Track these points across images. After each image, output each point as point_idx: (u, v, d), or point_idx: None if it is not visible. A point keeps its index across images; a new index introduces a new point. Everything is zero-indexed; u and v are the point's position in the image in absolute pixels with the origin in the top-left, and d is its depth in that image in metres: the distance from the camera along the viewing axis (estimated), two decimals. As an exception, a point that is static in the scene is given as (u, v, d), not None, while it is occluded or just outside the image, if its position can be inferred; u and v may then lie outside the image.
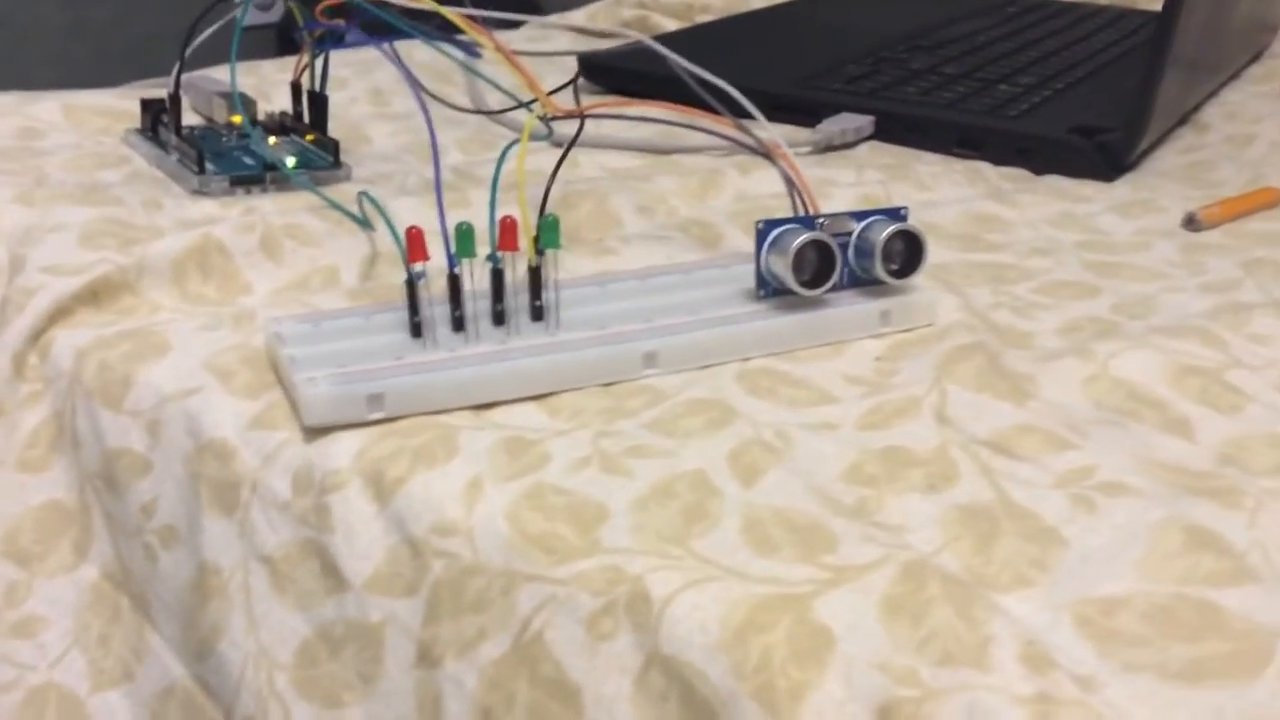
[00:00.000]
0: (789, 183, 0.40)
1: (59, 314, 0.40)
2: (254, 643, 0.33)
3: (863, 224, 0.39)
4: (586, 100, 0.51)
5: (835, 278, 0.38)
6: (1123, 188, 0.56)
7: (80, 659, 0.37)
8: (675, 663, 0.27)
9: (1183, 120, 0.67)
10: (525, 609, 0.30)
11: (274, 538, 0.34)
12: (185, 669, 0.36)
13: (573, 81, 0.46)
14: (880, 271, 0.39)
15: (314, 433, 0.34)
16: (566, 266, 0.44)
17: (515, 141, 0.42)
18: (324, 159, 0.54)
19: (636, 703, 0.28)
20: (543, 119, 0.41)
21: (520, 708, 0.29)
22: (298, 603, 0.33)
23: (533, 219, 0.37)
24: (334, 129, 0.56)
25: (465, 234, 0.36)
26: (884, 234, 0.38)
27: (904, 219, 0.39)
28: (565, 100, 0.62)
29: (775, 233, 0.38)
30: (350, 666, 0.32)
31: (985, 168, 0.58)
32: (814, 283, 0.38)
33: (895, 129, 0.63)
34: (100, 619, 0.38)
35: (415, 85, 0.40)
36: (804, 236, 0.38)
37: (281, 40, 2.03)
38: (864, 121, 0.62)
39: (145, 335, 0.39)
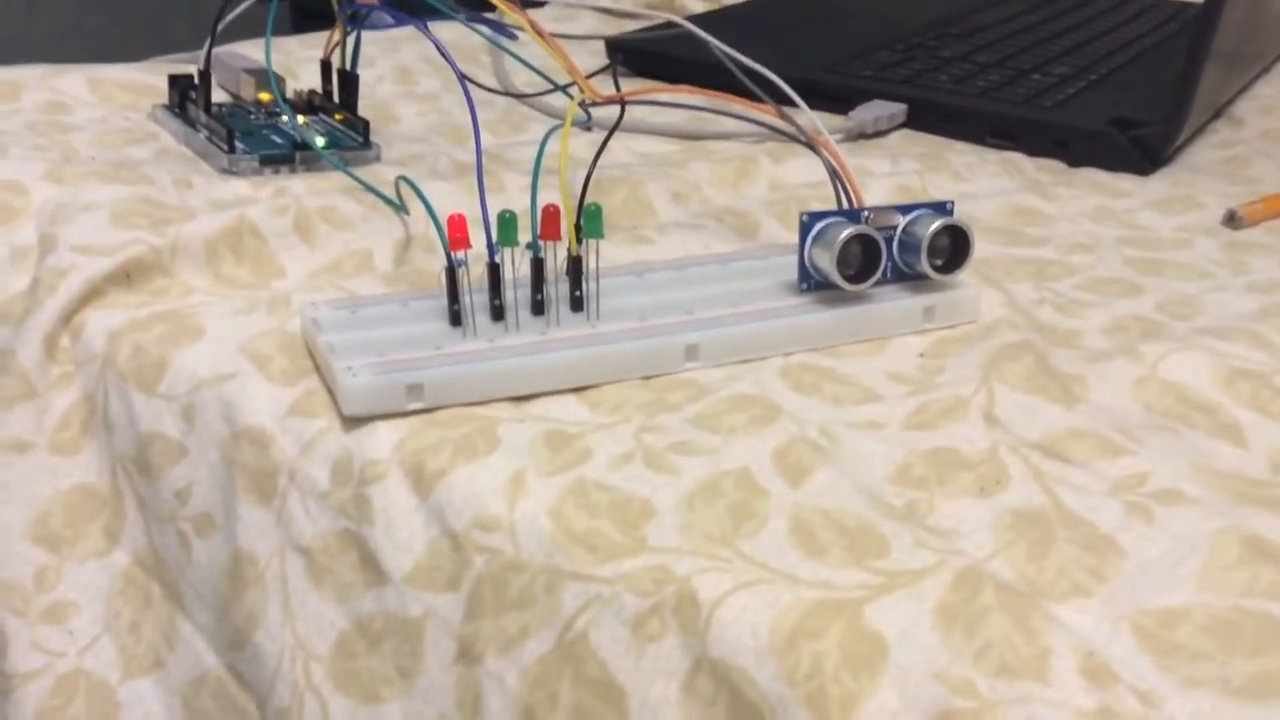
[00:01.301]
0: (832, 173, 0.39)
1: (91, 295, 0.40)
2: (290, 634, 0.33)
3: (908, 218, 0.38)
4: (621, 84, 0.50)
5: (880, 273, 0.38)
6: (1160, 182, 0.55)
7: (111, 646, 0.37)
8: (724, 667, 0.27)
9: (1216, 114, 0.67)
10: (569, 608, 0.29)
11: (312, 528, 0.33)
12: (218, 658, 0.35)
13: (610, 66, 0.46)
14: (926, 267, 0.38)
15: (353, 422, 0.34)
16: (602, 255, 0.43)
17: (556, 127, 0.41)
18: (354, 139, 0.53)
19: (683, 707, 0.27)
20: (582, 104, 0.41)
21: (563, 708, 0.29)
22: (336, 594, 0.33)
23: (572, 207, 0.37)
24: (362, 108, 0.55)
25: (508, 222, 0.36)
26: (931, 228, 0.38)
27: (950, 213, 0.39)
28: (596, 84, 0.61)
29: (819, 225, 0.38)
30: (389, 661, 0.32)
31: (1020, 159, 0.58)
32: (858, 277, 0.38)
33: (928, 117, 0.62)
34: (131, 606, 0.37)
35: (457, 68, 0.40)
36: (850, 230, 0.37)
37: (296, 15, 2.01)
38: (897, 109, 0.61)
39: (179, 318, 0.39)
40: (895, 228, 0.38)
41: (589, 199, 0.37)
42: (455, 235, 0.36)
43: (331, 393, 0.35)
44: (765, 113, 0.40)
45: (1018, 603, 0.26)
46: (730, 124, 0.60)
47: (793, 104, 0.43)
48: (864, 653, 0.26)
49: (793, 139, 0.40)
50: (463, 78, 0.40)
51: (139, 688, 0.37)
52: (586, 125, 0.47)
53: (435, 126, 0.60)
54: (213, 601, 0.35)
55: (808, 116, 0.43)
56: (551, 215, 0.36)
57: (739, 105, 0.42)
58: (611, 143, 0.45)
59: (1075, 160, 0.58)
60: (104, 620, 0.37)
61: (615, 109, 0.41)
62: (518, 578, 0.30)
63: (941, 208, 0.39)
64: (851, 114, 0.59)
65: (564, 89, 0.46)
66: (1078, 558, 0.28)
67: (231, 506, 0.35)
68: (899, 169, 0.54)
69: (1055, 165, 0.58)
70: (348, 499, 0.33)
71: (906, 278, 0.39)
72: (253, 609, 0.34)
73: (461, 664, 0.30)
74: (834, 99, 0.61)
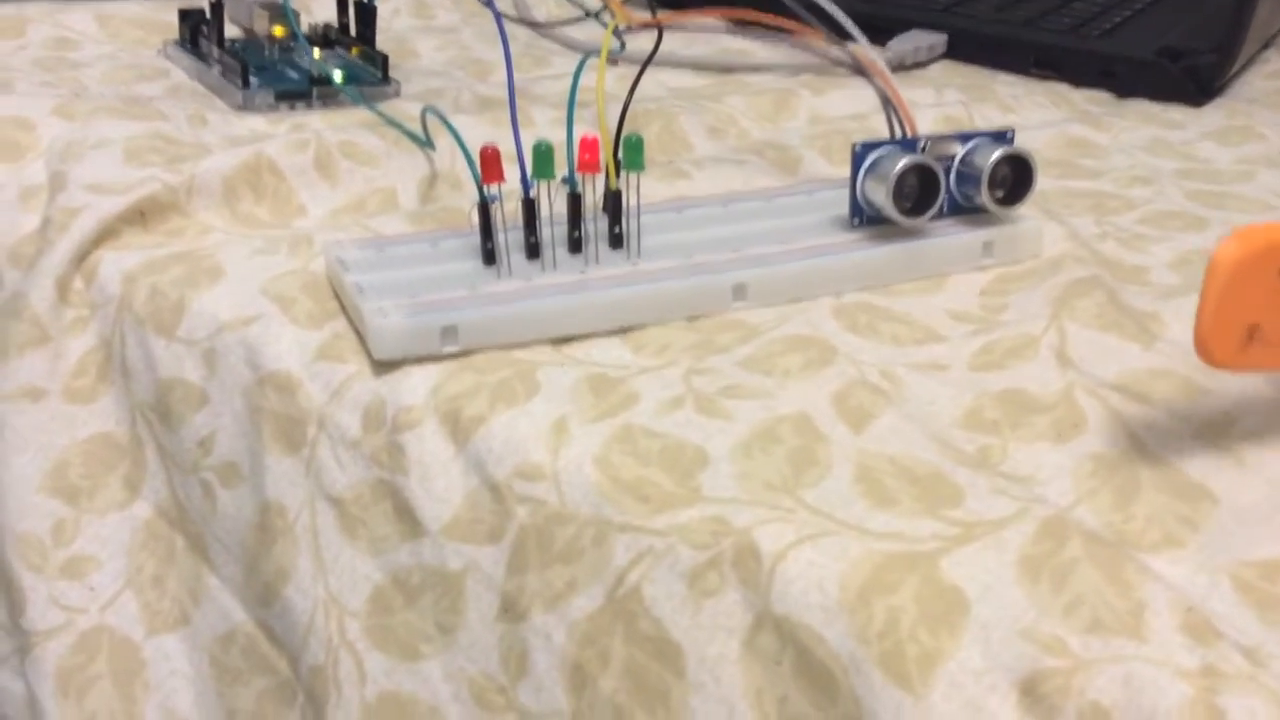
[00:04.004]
0: (885, 101, 0.37)
1: (104, 235, 0.38)
2: (323, 588, 0.31)
3: (967, 147, 0.36)
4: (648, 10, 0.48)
5: (937, 206, 0.36)
6: (1214, 113, 0.53)
7: (133, 601, 0.35)
8: (789, 624, 0.25)
9: (1266, 44, 0.64)
10: (620, 561, 0.27)
11: (343, 477, 0.32)
12: (247, 614, 0.34)
13: (644, -9, 0.43)
14: (986, 199, 0.36)
15: (384, 366, 0.32)
16: (640, 191, 0.41)
17: (590, 54, 0.39)
18: (372, 74, 0.51)
19: (745, 665, 0.26)
20: (616, 31, 0.38)
21: (615, 666, 0.27)
22: (370, 547, 0.31)
23: (609, 139, 0.35)
24: (379, 43, 0.53)
25: (544, 154, 0.34)
26: (991, 158, 0.35)
27: (1010, 142, 0.36)
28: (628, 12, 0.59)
29: (873, 156, 0.36)
30: (428, 616, 0.30)
31: (1067, 89, 0.55)
32: (914, 211, 0.36)
33: (969, 47, 0.60)
34: (154, 559, 0.36)
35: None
36: (906, 160, 0.35)
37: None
38: (937, 39, 0.59)
39: (197, 258, 0.37)
40: (953, 158, 0.36)
41: (624, 130, 0.35)
42: (489, 169, 0.33)
43: (360, 336, 0.33)
44: (817, 40, 0.38)
45: (1108, 554, 0.25)
46: (764, 55, 0.57)
47: (842, 33, 0.40)
48: (942, 609, 0.24)
49: (841, 64, 0.38)
50: (490, 2, 0.38)
51: (164, 644, 0.35)
52: (615, 59, 0.45)
53: (455, 61, 0.57)
54: (240, 554, 0.34)
55: (859, 43, 0.40)
56: (590, 145, 0.34)
57: (793, 32, 0.40)
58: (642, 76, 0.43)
59: (1123, 91, 0.56)
60: (126, 575, 0.36)
61: (642, 45, 0.39)
62: (563, 529, 0.28)
63: (1001, 137, 0.37)
64: (890, 44, 0.57)
65: (596, 15, 0.44)
66: (1168, 505, 0.26)
67: (258, 455, 0.33)
68: (943, 100, 0.51)
69: (1102, 96, 0.55)
70: (380, 447, 0.31)
71: (963, 211, 0.37)
72: (282, 562, 0.32)
73: (505, 620, 0.29)
74: (872, 29, 0.58)
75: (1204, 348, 0.26)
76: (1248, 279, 0.25)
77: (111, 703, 0.35)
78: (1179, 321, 0.33)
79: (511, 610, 0.29)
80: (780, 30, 0.39)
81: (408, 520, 0.30)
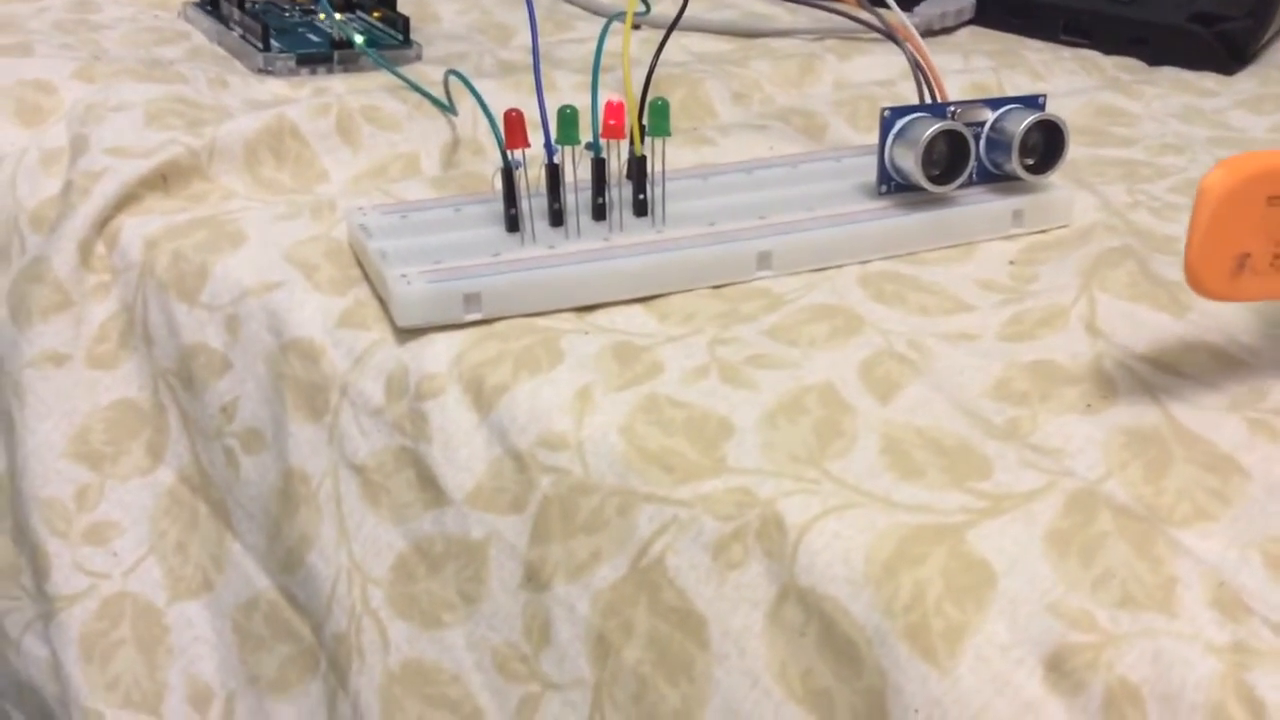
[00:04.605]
0: (915, 66, 0.36)
1: (126, 199, 0.38)
2: (346, 556, 0.31)
3: (998, 113, 0.36)
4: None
5: (967, 173, 0.35)
6: (1247, 81, 0.52)
7: (157, 567, 0.35)
8: (814, 596, 0.25)
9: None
10: (644, 531, 0.27)
11: (366, 445, 0.32)
12: (270, 580, 0.34)
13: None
14: (1017, 166, 0.35)
15: (407, 334, 0.32)
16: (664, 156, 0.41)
17: (615, 16, 0.38)
18: (393, 37, 0.51)
19: (769, 637, 0.25)
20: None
21: (639, 636, 0.27)
22: (393, 515, 0.31)
23: (634, 104, 0.34)
24: (401, 5, 0.52)
25: (569, 118, 0.33)
26: (1023, 125, 0.35)
27: (1042, 108, 0.36)
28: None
29: (902, 122, 0.35)
30: (451, 585, 0.30)
31: (1097, 56, 0.55)
32: (943, 178, 0.35)
33: (997, 12, 0.59)
34: (177, 525, 0.36)
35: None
36: (936, 126, 0.34)
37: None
38: (965, 3, 0.58)
39: (220, 224, 0.37)
40: (983, 124, 0.36)
41: (649, 96, 0.35)
42: (513, 133, 0.33)
43: (383, 303, 0.33)
44: (850, 4, 0.38)
45: (1138, 528, 0.24)
46: (788, 20, 0.57)
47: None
48: (969, 582, 0.24)
49: (871, 27, 0.37)
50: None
51: (187, 610, 0.35)
52: (639, 22, 0.44)
53: (477, 24, 0.57)
54: (263, 521, 0.34)
55: (889, 6, 0.40)
56: (615, 110, 0.34)
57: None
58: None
59: (1154, 58, 0.55)
60: (149, 540, 0.36)
61: (666, 9, 0.38)
62: (587, 499, 0.28)
63: (1033, 102, 0.36)
64: (918, 9, 0.56)
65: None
66: (1199, 479, 0.26)
67: (281, 422, 0.33)
68: (971, 66, 0.51)
69: (1133, 63, 0.55)
70: (403, 415, 0.31)
71: (993, 178, 0.37)
72: (305, 529, 0.32)
73: (528, 589, 0.29)
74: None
75: (1194, 277, 0.26)
76: (1236, 207, 0.25)
77: (135, 668, 0.35)
78: (1211, 292, 0.32)
79: (534, 580, 0.29)
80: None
81: (430, 489, 0.30)
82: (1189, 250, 0.26)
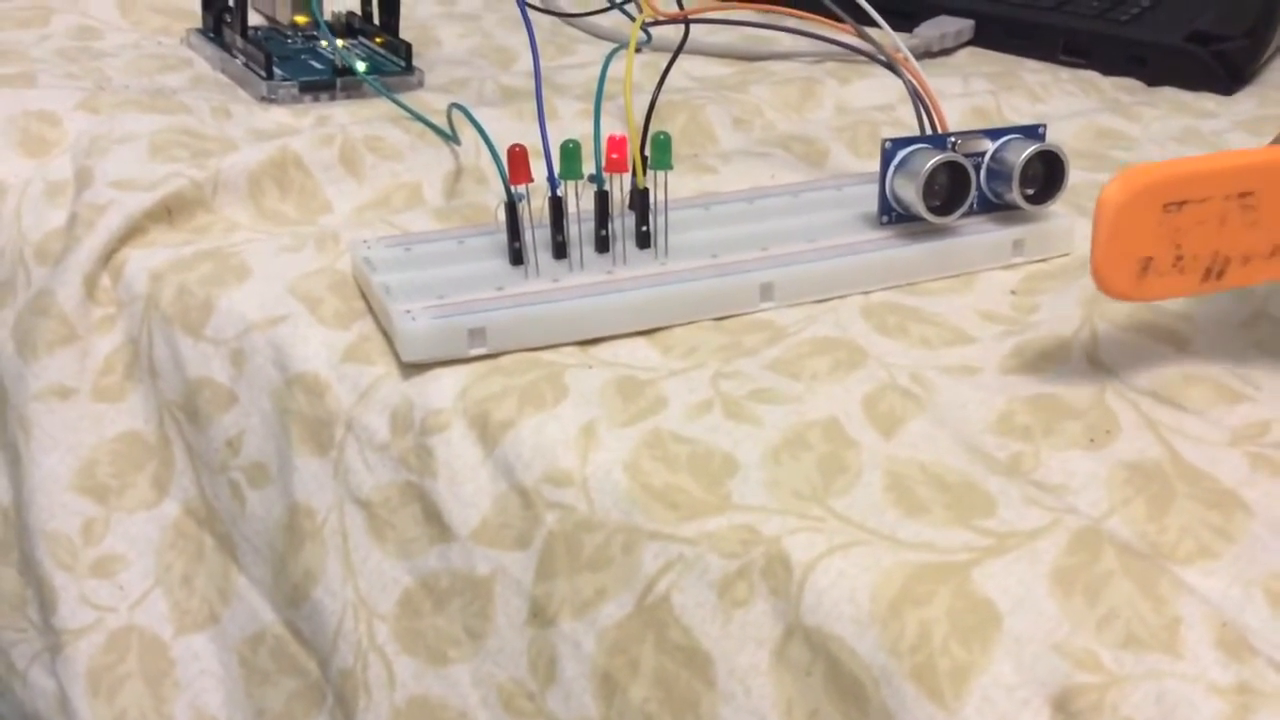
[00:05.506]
0: (914, 94, 0.36)
1: (131, 232, 0.38)
2: (352, 591, 0.31)
3: (998, 143, 0.36)
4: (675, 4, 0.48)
5: (968, 204, 0.35)
6: (1246, 101, 0.52)
7: (163, 600, 0.36)
8: (820, 635, 0.25)
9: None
10: (649, 569, 0.27)
11: (371, 480, 0.32)
12: (276, 614, 0.34)
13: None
14: (1017, 196, 0.36)
15: (412, 368, 0.32)
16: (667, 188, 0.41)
17: (617, 48, 0.39)
18: (396, 63, 0.51)
19: (775, 676, 0.26)
20: (643, 25, 0.38)
21: (645, 674, 0.27)
22: (399, 550, 0.31)
23: (637, 135, 0.35)
24: (402, 30, 0.53)
25: (571, 153, 0.33)
26: (1023, 155, 0.35)
27: (1042, 138, 0.36)
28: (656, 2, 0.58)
29: (903, 153, 0.35)
30: (457, 621, 0.30)
31: (1095, 77, 0.55)
32: (944, 209, 0.35)
33: (995, 33, 0.59)
34: (183, 558, 0.36)
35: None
36: (937, 158, 0.34)
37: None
38: (964, 25, 0.58)
39: (224, 256, 0.37)
40: (984, 154, 0.36)
41: (650, 126, 0.35)
42: (516, 168, 0.33)
43: (388, 337, 0.33)
44: (846, 32, 0.38)
45: (1141, 566, 0.24)
46: (788, 43, 0.57)
47: (868, 21, 0.40)
48: (975, 622, 0.24)
49: (871, 58, 0.37)
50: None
51: (193, 643, 0.35)
52: (640, 48, 0.44)
53: (478, 49, 0.57)
54: (269, 555, 0.34)
55: (886, 34, 0.40)
56: (618, 145, 0.34)
57: (813, 22, 0.39)
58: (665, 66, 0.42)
59: (1153, 79, 0.55)
60: (155, 574, 0.36)
61: (667, 33, 0.38)
62: (592, 536, 0.28)
63: (1032, 132, 0.36)
64: (917, 31, 0.56)
65: (620, 6, 0.44)
66: (1201, 516, 0.26)
67: (286, 456, 0.33)
68: (971, 89, 0.51)
69: (1132, 83, 0.55)
70: (409, 450, 0.31)
71: (994, 208, 0.37)
72: (311, 564, 0.32)
73: (534, 626, 0.29)
74: (898, 14, 0.58)
75: (1101, 282, 0.28)
76: (1134, 216, 0.28)
77: (142, 701, 0.35)
78: (1213, 324, 0.33)
79: (540, 616, 0.29)
80: (807, 23, 0.39)
81: (436, 524, 0.30)
82: (1093, 258, 0.28)
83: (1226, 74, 0.54)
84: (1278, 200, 0.29)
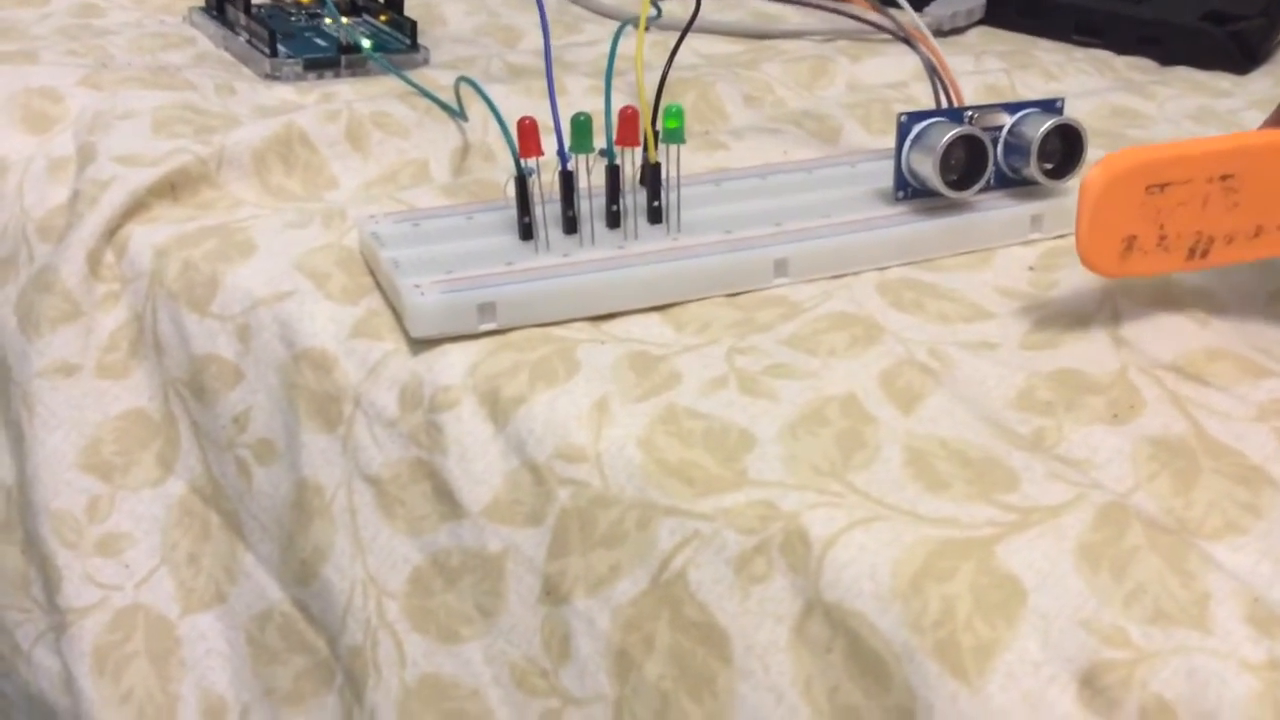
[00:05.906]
0: (931, 70, 0.36)
1: (135, 208, 0.37)
2: (361, 568, 0.31)
3: (1015, 117, 0.35)
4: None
5: (985, 178, 0.35)
6: (1261, 80, 0.52)
7: (169, 579, 0.35)
8: (840, 611, 0.25)
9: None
10: (665, 545, 0.27)
11: (380, 456, 0.31)
12: (284, 592, 0.33)
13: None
14: (1035, 171, 0.35)
15: (421, 344, 0.32)
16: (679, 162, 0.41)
17: (628, 22, 0.38)
18: (400, 41, 0.50)
19: (795, 653, 0.25)
20: (653, 1, 0.38)
21: (661, 652, 0.27)
22: (408, 527, 0.31)
23: (648, 109, 0.34)
24: (407, 7, 0.52)
25: (583, 126, 0.33)
26: (1041, 129, 0.35)
27: (1060, 112, 0.36)
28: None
29: (919, 127, 0.35)
30: (468, 598, 0.30)
31: (1109, 56, 0.54)
32: (961, 184, 0.35)
33: (1006, 12, 0.59)
34: (189, 536, 0.35)
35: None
36: (954, 132, 0.34)
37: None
38: (975, 3, 0.58)
39: (229, 232, 0.36)
40: (1001, 129, 0.35)
41: (661, 102, 0.34)
42: (526, 141, 0.33)
43: (396, 313, 0.33)
44: (862, 6, 0.37)
45: (1169, 542, 0.24)
46: (798, 20, 0.56)
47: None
48: (999, 597, 0.24)
49: (891, 33, 0.37)
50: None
51: (200, 622, 0.35)
52: (650, 25, 0.44)
53: (484, 27, 0.56)
54: (276, 533, 0.33)
55: (905, 9, 0.40)
56: (630, 118, 0.33)
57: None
58: (674, 43, 0.42)
59: (1167, 58, 0.55)
60: (161, 552, 0.35)
61: (676, 9, 0.38)
62: (606, 513, 0.28)
63: (1050, 106, 0.36)
64: (928, 9, 0.56)
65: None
66: (1228, 491, 0.26)
67: (294, 433, 0.33)
68: (983, 67, 0.50)
69: (1146, 63, 0.54)
70: (418, 426, 0.31)
71: (1011, 183, 0.36)
72: (320, 541, 0.32)
73: (547, 603, 0.28)
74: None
75: (1086, 260, 0.30)
76: (1116, 198, 0.29)
77: (148, 680, 0.34)
78: (1236, 299, 0.32)
79: (553, 593, 0.28)
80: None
81: (447, 501, 0.30)
82: (1078, 238, 0.29)
83: (1241, 53, 0.54)
84: (1257, 182, 0.30)
